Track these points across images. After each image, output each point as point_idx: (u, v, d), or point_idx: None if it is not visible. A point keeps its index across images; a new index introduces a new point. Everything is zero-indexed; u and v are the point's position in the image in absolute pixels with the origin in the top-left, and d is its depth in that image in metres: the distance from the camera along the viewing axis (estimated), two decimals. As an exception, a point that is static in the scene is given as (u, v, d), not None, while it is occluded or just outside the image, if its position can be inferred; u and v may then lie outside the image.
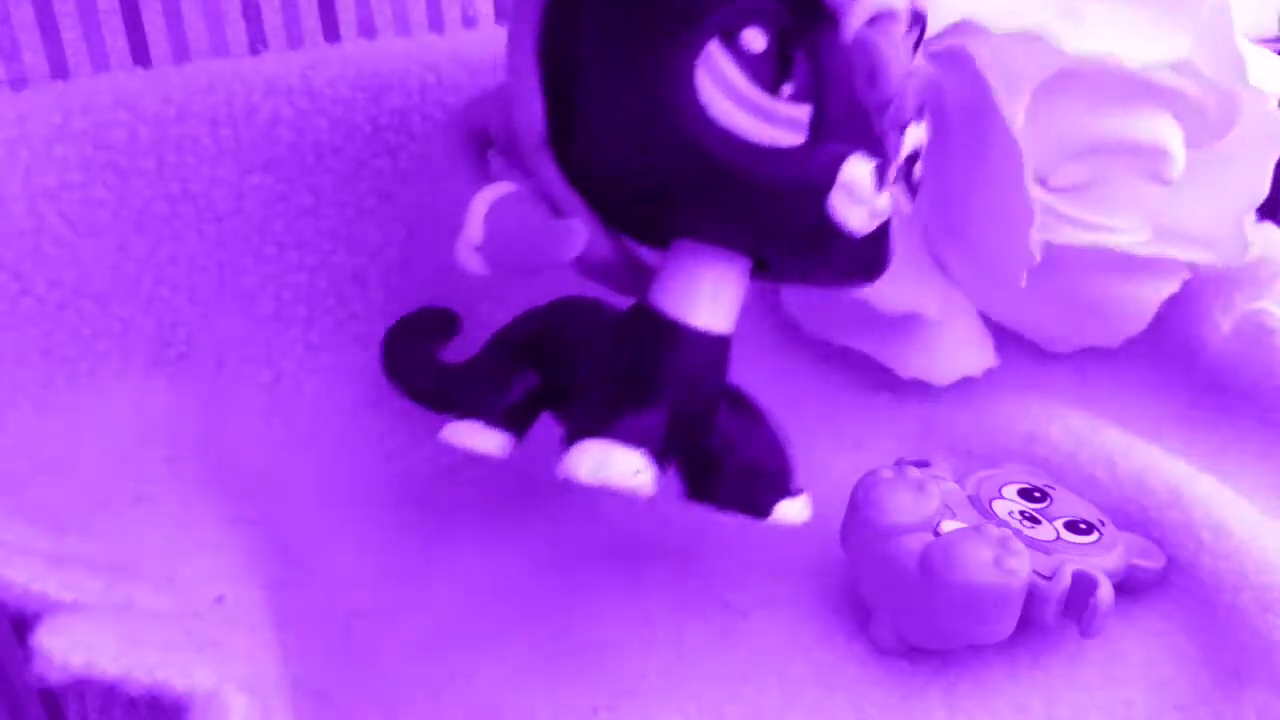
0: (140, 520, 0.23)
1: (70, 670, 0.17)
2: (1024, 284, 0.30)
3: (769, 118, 0.17)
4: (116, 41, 0.35)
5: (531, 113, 0.20)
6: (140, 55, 0.34)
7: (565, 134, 0.20)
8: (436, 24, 0.38)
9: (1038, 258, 0.29)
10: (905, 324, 0.32)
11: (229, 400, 0.30)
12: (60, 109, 0.28)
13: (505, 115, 0.21)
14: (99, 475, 0.24)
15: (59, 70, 0.33)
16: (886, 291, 0.31)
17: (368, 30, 0.34)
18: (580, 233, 0.21)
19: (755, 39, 0.17)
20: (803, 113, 0.17)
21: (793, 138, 0.17)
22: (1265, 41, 0.32)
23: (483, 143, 0.23)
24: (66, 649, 0.17)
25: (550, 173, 0.21)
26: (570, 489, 0.21)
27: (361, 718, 0.22)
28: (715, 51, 0.17)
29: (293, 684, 0.22)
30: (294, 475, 0.30)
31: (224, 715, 0.17)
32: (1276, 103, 0.30)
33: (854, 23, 0.16)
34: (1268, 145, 0.31)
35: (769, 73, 0.17)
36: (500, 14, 0.39)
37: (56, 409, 0.27)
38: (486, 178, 0.22)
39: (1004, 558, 0.21)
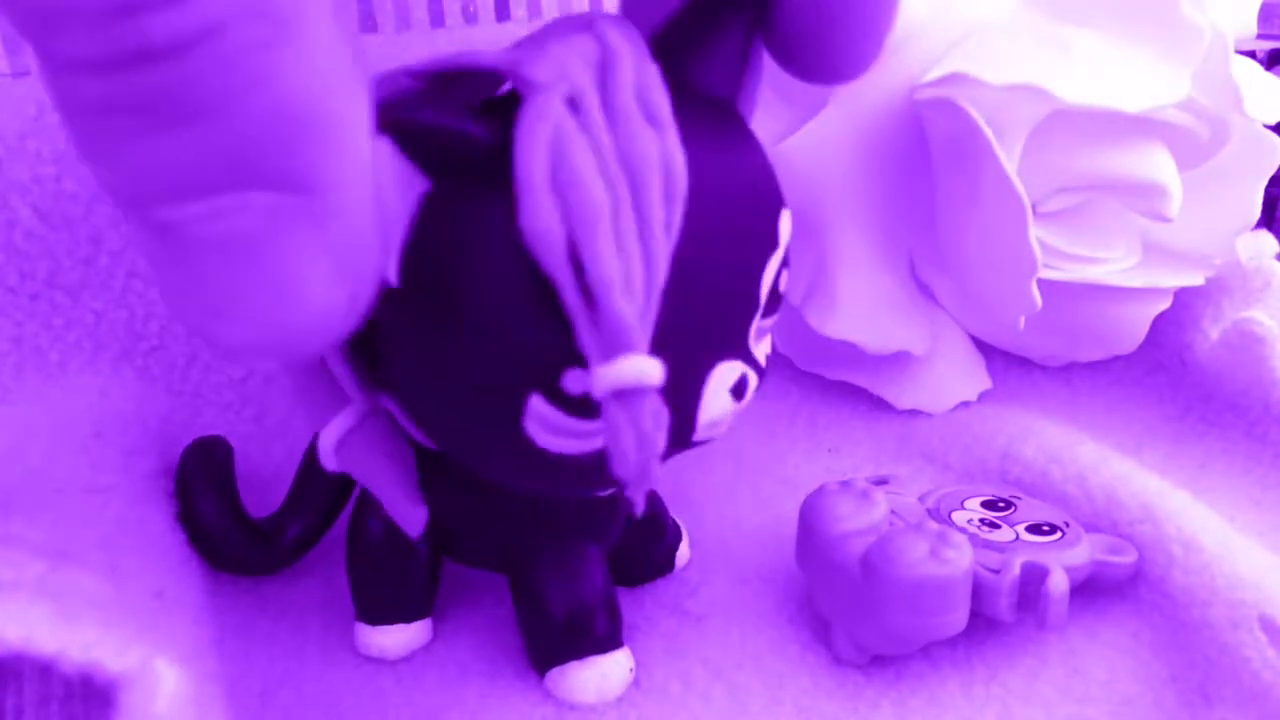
0: (90, 510, 0.23)
1: (7, 644, 0.17)
2: (1022, 327, 0.30)
3: (585, 436, 0.17)
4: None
5: (348, 382, 0.20)
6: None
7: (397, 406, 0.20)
8: (438, 20, 0.38)
9: (1039, 305, 0.28)
10: (896, 359, 0.32)
11: (199, 395, 0.30)
12: (33, 102, 0.28)
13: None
14: (54, 464, 0.24)
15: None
16: (873, 335, 0.31)
17: (368, 25, 0.34)
18: (420, 520, 0.22)
19: (576, 383, 0.16)
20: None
21: (597, 443, 0.17)
22: (1246, 42, 0.31)
23: None
24: (4, 622, 0.17)
25: (406, 421, 0.21)
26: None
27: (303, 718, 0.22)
28: (538, 404, 0.17)
29: (232, 682, 0.22)
30: (263, 471, 0.30)
31: (155, 688, 0.17)
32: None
33: (597, 393, 0.16)
34: (1258, 166, 0.31)
35: (586, 405, 0.17)
36: (501, 11, 0.39)
37: (22, 397, 0.27)
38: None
39: (940, 549, 0.21)
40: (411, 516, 0.22)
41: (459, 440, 0.19)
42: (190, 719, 0.16)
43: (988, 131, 0.27)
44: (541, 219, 0.15)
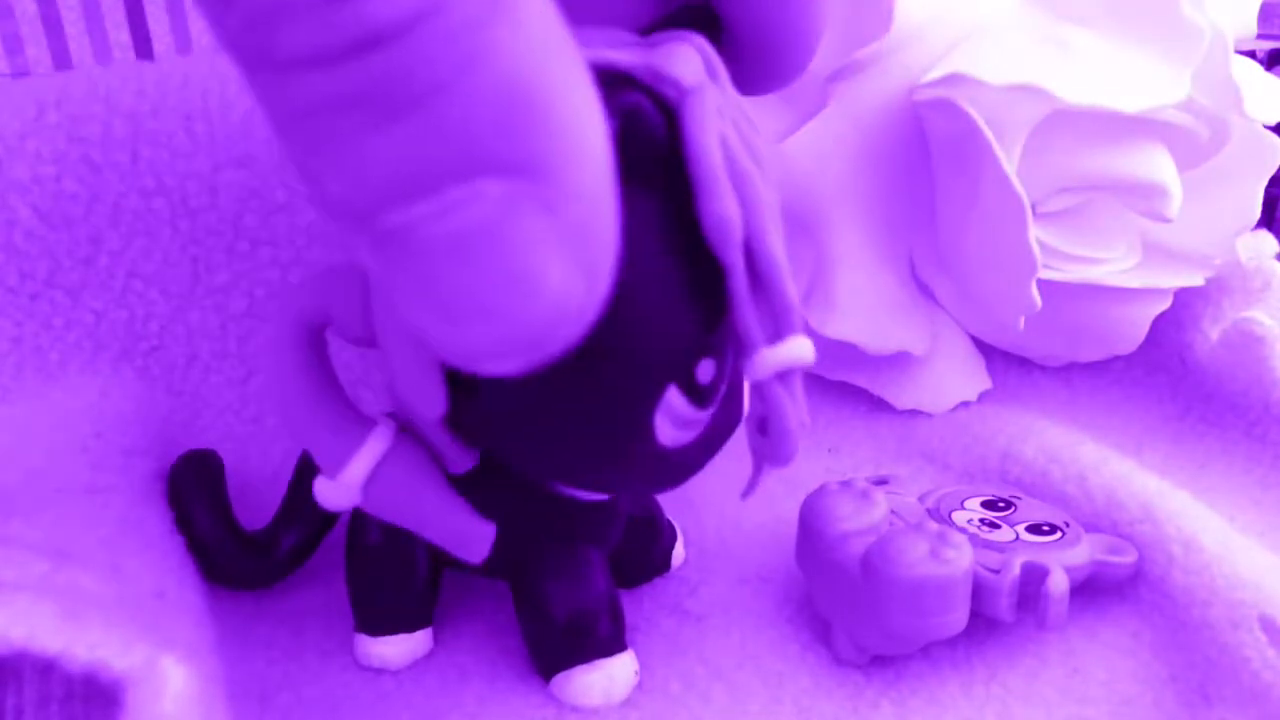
0: (90, 511, 0.23)
1: (11, 642, 0.17)
2: (1022, 327, 0.30)
3: (695, 426, 0.18)
4: (120, 35, 0.35)
5: (432, 405, 0.18)
6: (143, 49, 0.35)
7: (472, 426, 0.19)
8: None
9: (1039, 306, 0.28)
10: (896, 359, 0.32)
11: (199, 395, 0.30)
12: (34, 102, 0.28)
13: (363, 335, 0.19)
14: (54, 464, 0.24)
15: (62, 63, 0.33)
16: (873, 336, 0.31)
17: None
18: (489, 536, 0.21)
19: (706, 372, 0.17)
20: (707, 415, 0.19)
21: (696, 433, 0.18)
22: (1246, 42, 0.31)
23: (320, 330, 0.20)
24: (7, 621, 0.17)
25: (442, 439, 0.20)
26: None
27: None
28: (673, 396, 0.17)
29: (231, 686, 0.22)
30: (262, 472, 0.30)
31: (162, 687, 0.17)
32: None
33: (760, 375, 0.17)
34: (1258, 166, 0.31)
35: (708, 394, 0.18)
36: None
37: (22, 397, 0.27)
38: (327, 370, 0.20)
39: (940, 549, 0.21)
40: (477, 535, 0.21)
41: (571, 448, 0.18)
42: (196, 718, 0.16)
43: (988, 132, 0.27)
44: (727, 209, 0.16)
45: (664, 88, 0.16)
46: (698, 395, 0.17)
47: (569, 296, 0.13)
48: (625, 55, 0.17)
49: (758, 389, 0.17)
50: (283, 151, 0.12)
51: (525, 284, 0.12)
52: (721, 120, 0.16)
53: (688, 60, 0.16)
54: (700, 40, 0.17)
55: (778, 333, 0.16)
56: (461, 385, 0.18)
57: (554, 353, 0.13)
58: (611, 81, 0.16)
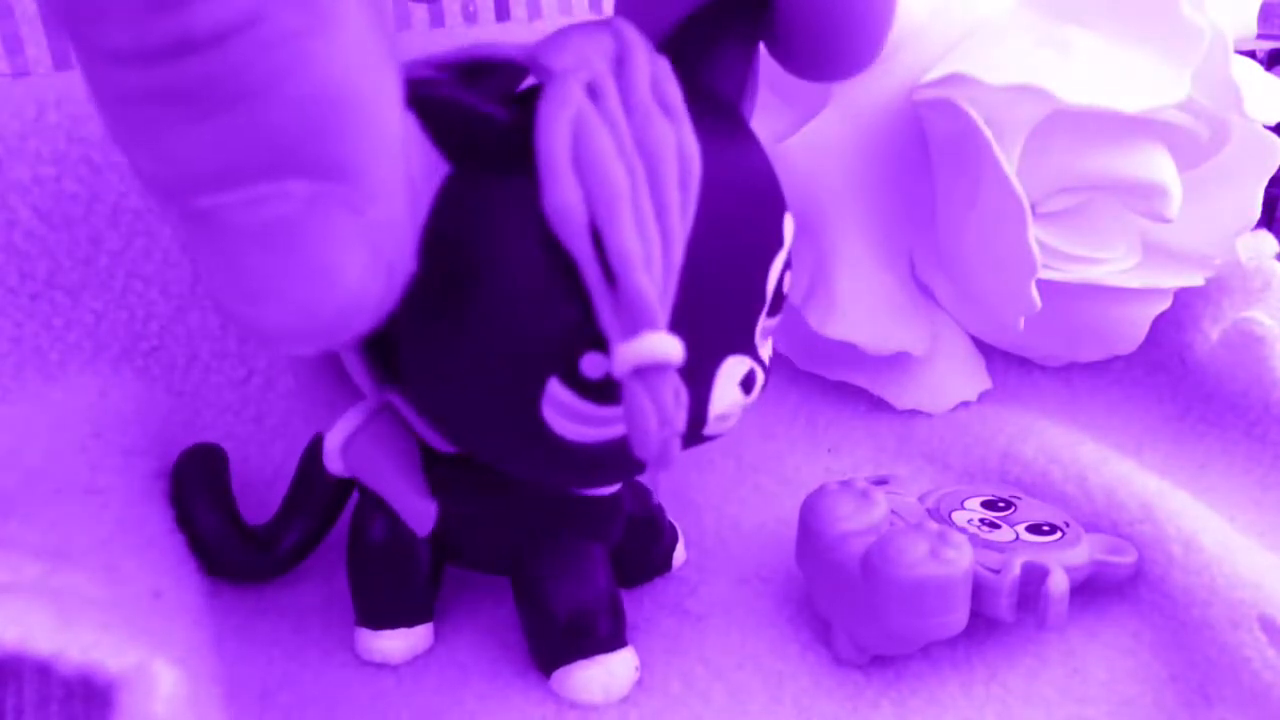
0: (89, 511, 0.23)
1: (6, 644, 0.17)
2: (1022, 327, 0.30)
3: (602, 423, 0.17)
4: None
5: (363, 380, 0.20)
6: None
7: (409, 401, 0.20)
8: (438, 20, 0.38)
9: (1039, 306, 0.28)
10: (896, 359, 0.32)
11: (199, 395, 0.30)
12: (34, 102, 0.28)
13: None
14: (53, 464, 0.24)
15: (62, 63, 0.33)
16: (873, 336, 0.31)
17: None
18: (429, 516, 0.22)
19: (594, 366, 0.17)
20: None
21: (616, 431, 0.18)
22: (1246, 42, 0.31)
23: None
24: (2, 623, 0.17)
25: (419, 420, 0.21)
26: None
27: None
28: (556, 388, 0.17)
29: (231, 684, 0.22)
30: (262, 472, 0.30)
31: (153, 688, 0.17)
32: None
33: (618, 372, 0.16)
34: (1258, 166, 0.31)
35: (603, 390, 0.17)
36: (501, 11, 0.39)
37: (22, 397, 0.27)
38: (329, 355, 0.22)
39: (940, 549, 0.21)
40: (421, 512, 0.22)
41: (477, 432, 0.19)
42: (189, 719, 0.16)
43: (987, 132, 0.27)
44: (564, 197, 0.15)
45: (535, 74, 0.16)
46: (587, 390, 0.17)
47: (365, 289, 0.13)
48: (517, 46, 0.17)
49: (621, 386, 0.16)
50: (106, 129, 0.12)
51: (325, 276, 0.13)
52: (598, 105, 0.16)
53: (578, 44, 0.16)
54: (621, 23, 0.17)
55: (632, 327, 0.16)
56: (386, 369, 0.19)
57: (349, 338, 0.14)
58: (493, 70, 0.17)
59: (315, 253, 0.13)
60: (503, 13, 0.39)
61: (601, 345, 0.16)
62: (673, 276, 0.16)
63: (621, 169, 0.15)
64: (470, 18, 0.39)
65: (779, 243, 0.19)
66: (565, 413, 0.17)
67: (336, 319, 0.13)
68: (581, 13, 0.40)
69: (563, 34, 0.17)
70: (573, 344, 0.16)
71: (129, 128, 0.12)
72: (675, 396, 0.16)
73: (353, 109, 0.12)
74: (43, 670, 0.18)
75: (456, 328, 0.17)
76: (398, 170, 0.14)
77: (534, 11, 0.39)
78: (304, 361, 0.22)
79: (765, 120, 0.31)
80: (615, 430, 0.17)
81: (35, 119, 0.28)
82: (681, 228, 0.16)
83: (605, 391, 0.17)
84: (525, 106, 0.16)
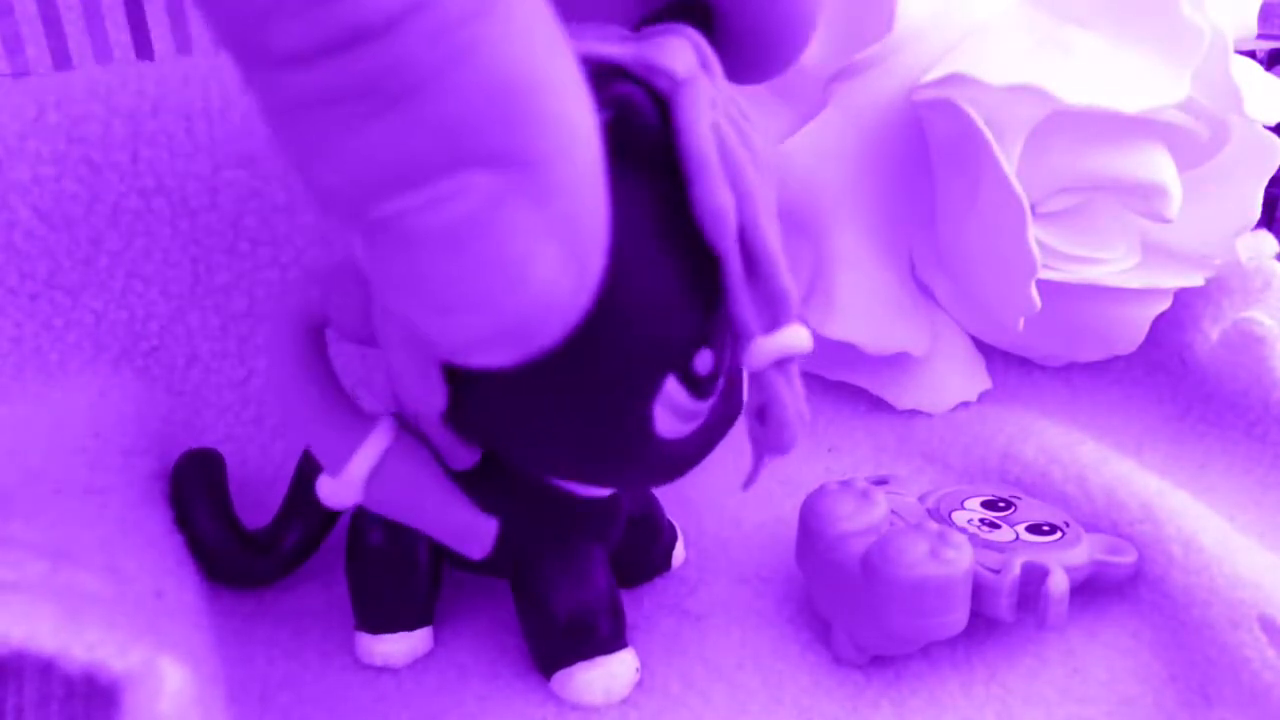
0: (89, 511, 0.23)
1: (9, 643, 0.17)
2: (1022, 327, 0.30)
3: (695, 417, 0.18)
4: (120, 35, 0.35)
5: (432, 402, 0.18)
6: (143, 49, 0.35)
7: (472, 422, 0.19)
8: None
9: (1039, 306, 0.28)
10: (896, 359, 0.32)
11: (198, 395, 0.30)
12: (34, 102, 0.28)
13: (361, 330, 0.19)
14: (53, 464, 0.24)
15: (62, 63, 0.33)
16: (873, 336, 0.31)
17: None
18: (491, 531, 0.20)
19: (704, 363, 0.17)
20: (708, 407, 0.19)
21: (696, 425, 0.18)
22: (1246, 42, 0.31)
23: (319, 328, 0.20)
24: (6, 621, 0.17)
25: (443, 436, 0.20)
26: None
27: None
28: (672, 386, 0.17)
29: (231, 685, 0.22)
30: (262, 473, 0.30)
31: (159, 687, 0.17)
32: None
33: (758, 364, 0.17)
34: (1258, 166, 0.31)
35: (707, 385, 0.18)
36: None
37: (22, 397, 0.27)
38: (327, 368, 0.20)
39: (940, 549, 0.21)
40: (480, 529, 0.20)
41: (570, 442, 0.18)
42: (194, 719, 0.16)
43: (987, 132, 0.27)
44: (719, 200, 0.16)
45: (656, 79, 0.16)
46: (696, 386, 0.17)
47: (558, 287, 0.13)
48: (617, 48, 0.17)
49: (756, 378, 0.17)
50: (278, 145, 0.12)
51: (514, 274, 0.12)
52: (715, 111, 0.16)
53: (680, 52, 0.17)
54: (693, 32, 0.17)
55: (774, 321, 0.17)
56: (460, 381, 0.18)
57: (545, 343, 0.13)
58: (603, 74, 0.16)
59: (502, 249, 0.12)
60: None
61: (710, 341, 0.17)
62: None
63: (756, 172, 0.16)
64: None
65: None
66: (673, 409, 0.18)
67: (531, 321, 0.13)
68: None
69: (657, 39, 0.17)
70: (692, 341, 0.17)
71: (303, 136, 0.12)
72: (800, 382, 0.17)
73: (530, 93, 0.12)
74: (44, 669, 0.18)
75: (581, 333, 0.16)
76: (585, 158, 0.13)
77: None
78: (301, 390, 0.20)
79: (765, 120, 0.31)
80: (697, 424, 0.18)
81: (35, 119, 0.28)
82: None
83: (706, 386, 0.17)
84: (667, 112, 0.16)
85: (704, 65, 0.17)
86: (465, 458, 0.20)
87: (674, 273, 0.17)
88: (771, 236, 0.16)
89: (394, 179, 0.12)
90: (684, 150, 0.16)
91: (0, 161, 0.28)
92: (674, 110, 0.16)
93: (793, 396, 0.17)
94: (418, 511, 0.20)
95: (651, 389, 0.17)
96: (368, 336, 0.19)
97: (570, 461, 0.19)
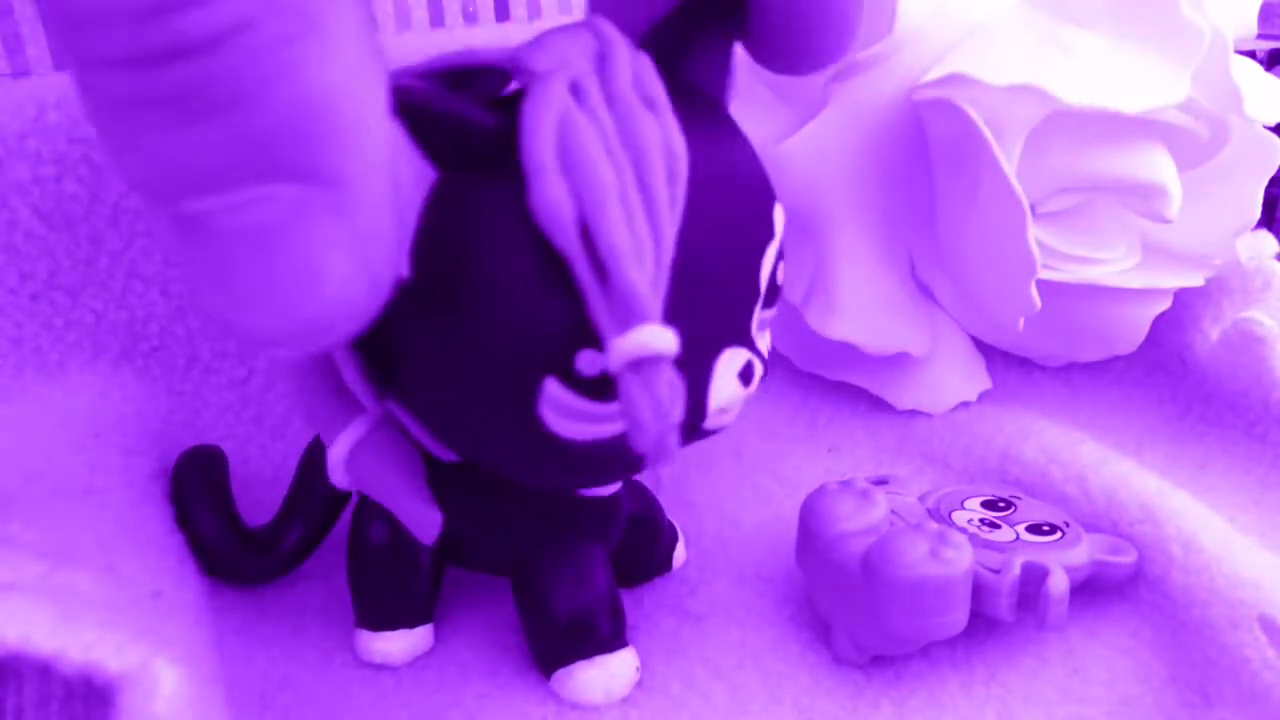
0: (89, 511, 0.23)
1: (6, 644, 0.17)
2: (1022, 327, 0.30)
3: (602, 420, 0.17)
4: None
5: (365, 397, 0.20)
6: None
7: (408, 411, 0.20)
8: (438, 19, 0.38)
9: (1039, 306, 0.28)
10: (896, 359, 0.32)
11: (199, 396, 0.30)
12: (34, 102, 0.28)
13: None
14: (53, 465, 0.24)
15: (62, 63, 0.33)
16: (873, 336, 0.31)
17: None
18: (435, 524, 0.22)
19: (589, 364, 0.17)
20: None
21: (615, 428, 0.18)
22: (1246, 42, 0.31)
23: None
24: (2, 622, 0.17)
25: (420, 432, 0.21)
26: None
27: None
28: (553, 388, 0.17)
29: (231, 684, 0.22)
30: (262, 473, 0.30)
31: (154, 688, 0.17)
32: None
33: (613, 366, 0.16)
34: (1258, 166, 0.31)
35: (601, 387, 0.17)
36: (501, 11, 0.39)
37: (22, 398, 0.27)
38: (327, 364, 0.21)
39: (940, 549, 0.21)
40: (426, 521, 0.22)
41: (476, 438, 0.19)
42: (190, 719, 0.16)
43: (987, 132, 0.27)
44: (552, 196, 0.15)
45: (518, 76, 0.16)
46: (585, 387, 0.17)
47: (350, 292, 0.14)
48: (498, 51, 0.17)
49: (616, 381, 0.16)
50: (97, 133, 0.13)
51: (311, 280, 0.13)
52: (581, 105, 0.16)
53: (560, 46, 0.17)
54: (600, 22, 0.17)
55: (625, 321, 0.16)
56: (382, 381, 0.19)
57: (332, 342, 0.14)
58: (477, 76, 0.17)
59: (301, 256, 0.13)
60: (503, 13, 0.39)
61: (596, 342, 0.16)
62: (664, 270, 0.16)
63: (608, 165, 0.16)
64: (470, 18, 0.39)
65: (770, 233, 0.19)
66: (563, 412, 0.17)
67: (320, 322, 0.14)
68: (580, 13, 0.40)
69: (543, 36, 0.17)
70: (568, 342, 0.16)
71: (119, 132, 0.12)
72: (671, 389, 0.16)
73: (341, 115, 0.13)
74: (43, 670, 0.18)
75: (451, 333, 0.17)
76: (383, 176, 0.14)
77: (534, 11, 0.39)
78: (304, 375, 0.22)
79: (765, 120, 0.31)
80: (614, 427, 0.17)
81: (35, 119, 0.28)
82: (671, 221, 0.16)
83: (602, 388, 0.17)
84: (510, 110, 0.16)
85: (600, 56, 0.17)
86: (444, 451, 0.21)
87: (532, 273, 0.16)
88: (617, 234, 0.15)
89: (202, 182, 0.12)
90: (520, 147, 0.16)
91: (0, 161, 0.28)
92: (520, 107, 0.16)
93: (651, 401, 0.16)
94: (381, 494, 0.22)
95: (528, 390, 0.17)
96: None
97: (491, 459, 0.19)
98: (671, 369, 0.16)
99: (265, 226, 0.13)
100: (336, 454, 0.21)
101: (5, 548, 0.20)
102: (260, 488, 0.29)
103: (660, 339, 0.16)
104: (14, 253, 0.28)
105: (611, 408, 0.17)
